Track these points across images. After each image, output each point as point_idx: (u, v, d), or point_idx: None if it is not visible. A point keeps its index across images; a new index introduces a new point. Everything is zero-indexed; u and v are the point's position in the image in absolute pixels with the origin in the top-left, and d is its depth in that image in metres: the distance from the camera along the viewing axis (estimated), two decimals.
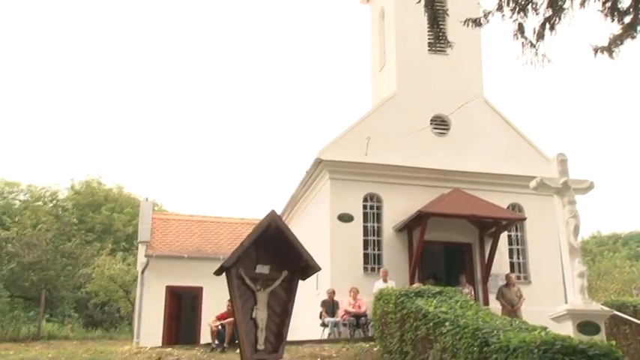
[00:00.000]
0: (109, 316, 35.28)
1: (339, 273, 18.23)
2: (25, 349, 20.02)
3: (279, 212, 9.91)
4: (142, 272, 23.08)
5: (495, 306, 16.79)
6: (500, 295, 17.50)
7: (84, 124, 74.17)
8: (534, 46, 11.31)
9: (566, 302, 12.84)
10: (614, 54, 11.22)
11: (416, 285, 15.47)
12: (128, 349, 17.15)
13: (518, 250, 20.06)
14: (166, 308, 22.30)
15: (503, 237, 19.49)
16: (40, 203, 44.33)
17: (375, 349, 15.49)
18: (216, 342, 16.02)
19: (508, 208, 19.93)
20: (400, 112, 19.96)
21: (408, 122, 19.68)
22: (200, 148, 78.00)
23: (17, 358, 15.73)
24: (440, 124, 20.32)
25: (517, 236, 20.15)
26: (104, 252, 34.39)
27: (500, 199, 19.61)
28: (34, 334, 28.83)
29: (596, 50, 11.30)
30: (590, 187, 12.86)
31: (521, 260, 19.96)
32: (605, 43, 11.23)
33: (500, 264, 19.21)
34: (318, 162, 19.49)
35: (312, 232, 19.85)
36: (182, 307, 23.48)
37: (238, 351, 9.51)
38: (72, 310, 35.64)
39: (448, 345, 11.41)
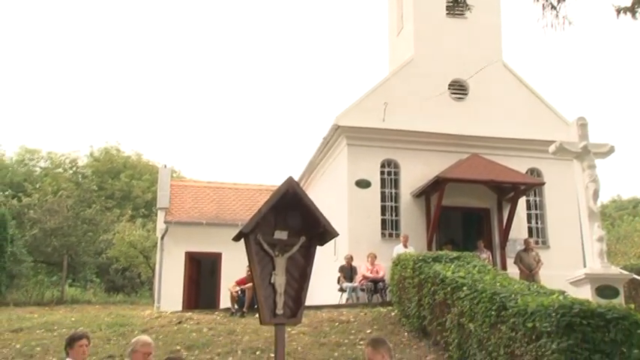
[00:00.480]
0: (129, 281, 35.81)
1: (356, 239, 18.30)
2: (50, 312, 20.39)
3: (296, 179, 9.94)
4: (162, 238, 23.32)
5: (513, 271, 16.81)
6: (519, 260, 17.51)
7: (102, 91, 74.45)
8: (555, 8, 11.13)
9: (584, 266, 12.84)
10: (637, 14, 11.01)
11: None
12: (149, 314, 17.43)
13: (536, 214, 19.99)
14: (186, 274, 22.56)
15: (522, 202, 19.42)
16: (60, 170, 44.76)
17: (393, 313, 15.62)
18: (236, 307, 16.22)
19: (527, 172, 19.82)
20: (418, 76, 19.79)
21: (425, 87, 19.52)
22: (218, 115, 78.10)
23: (42, 321, 16.03)
24: (458, 88, 20.14)
25: (536, 201, 20.06)
26: (124, 218, 34.76)
27: (519, 164, 19.50)
28: (57, 298, 29.36)
29: (618, 11, 11.11)
30: (611, 150, 12.74)
31: (539, 225, 19.90)
32: (629, 3, 11.02)
33: (519, 229, 19.19)
34: (336, 128, 19.44)
35: (330, 198, 19.90)
36: (201, 273, 23.75)
37: (257, 315, 9.62)
38: (94, 275, 36.21)
39: (466, 309, 11.47)
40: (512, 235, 18.94)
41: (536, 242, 19.17)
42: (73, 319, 16.43)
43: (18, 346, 13.72)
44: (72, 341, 7.24)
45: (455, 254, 14.70)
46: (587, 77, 79.17)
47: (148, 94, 77.60)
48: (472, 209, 19.63)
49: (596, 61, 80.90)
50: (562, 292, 10.43)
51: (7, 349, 13.55)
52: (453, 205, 18.86)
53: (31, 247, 30.85)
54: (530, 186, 19.17)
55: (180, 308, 19.08)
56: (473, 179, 18.37)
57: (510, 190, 19.01)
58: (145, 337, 7.11)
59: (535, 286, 11.66)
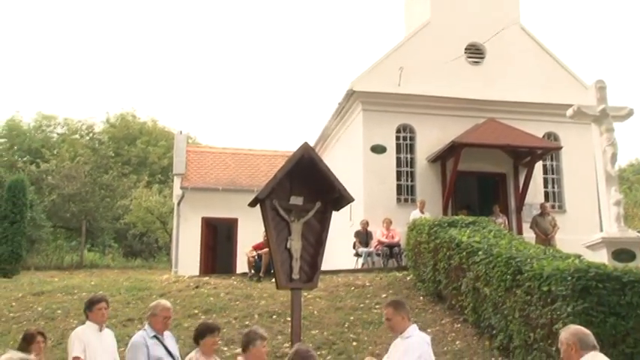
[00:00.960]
0: (147, 246, 36.21)
1: (372, 204, 18.33)
2: (70, 276, 20.71)
3: (312, 144, 9.91)
4: (178, 204, 23.49)
5: (529, 235, 16.79)
6: (534, 225, 17.48)
7: (117, 56, 74.38)
8: None
9: (601, 230, 12.81)
10: None
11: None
12: (167, 278, 17.65)
13: (553, 179, 19.88)
14: (202, 239, 22.76)
15: (538, 166, 19.31)
16: (76, 136, 44.98)
17: (408, 278, 15.71)
18: (252, 271, 16.37)
19: (544, 137, 19.67)
20: (434, 40, 19.57)
21: (442, 51, 19.32)
22: (233, 81, 77.90)
23: (62, 285, 16.30)
24: (475, 52, 19.91)
25: (552, 165, 19.95)
26: (140, 184, 34.99)
27: (536, 128, 19.34)
28: (77, 262, 29.80)
29: None
30: (629, 114, 12.61)
31: (556, 189, 19.81)
32: None
33: (535, 193, 19.12)
34: (351, 93, 19.34)
35: (346, 163, 19.89)
36: (218, 238, 23.94)
37: (274, 280, 9.70)
38: (112, 240, 36.66)
39: (481, 273, 11.52)
40: (528, 199, 18.88)
41: (553, 207, 19.10)
42: (92, 283, 16.70)
43: (40, 308, 13.98)
44: (91, 304, 7.35)
45: (470, 219, 14.70)
46: (605, 39, 77.91)
47: (163, 60, 77.49)
48: (488, 174, 19.55)
49: (615, 23, 79.50)
50: (578, 256, 10.43)
51: (30, 312, 13.83)
52: (469, 170, 18.79)
53: (50, 212, 31.26)
54: (547, 150, 19.04)
55: (197, 273, 19.30)
56: (489, 144, 18.27)
57: (527, 155, 18.91)
58: (165, 302, 7.18)
59: (551, 251, 11.67)
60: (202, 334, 6.45)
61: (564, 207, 19.50)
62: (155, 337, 6.74)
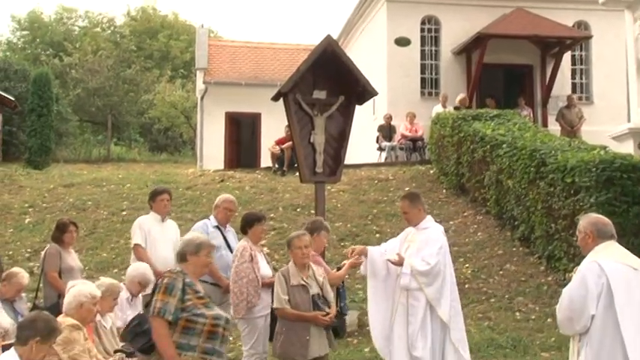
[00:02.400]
0: (172, 140, 36.53)
1: (395, 98, 18.16)
2: (98, 169, 21.10)
3: (335, 38, 9.71)
4: (201, 99, 23.47)
5: (554, 128, 16.64)
6: (560, 117, 17.26)
7: None
8: None
9: (629, 122, 12.63)
10: None
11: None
12: (192, 172, 17.92)
13: (581, 70, 19.44)
14: (226, 134, 22.87)
15: (567, 57, 18.83)
16: (98, 30, 44.51)
17: (432, 171, 15.79)
18: (276, 165, 16.53)
19: (573, 26, 19.08)
20: None
21: None
22: None
23: (91, 177, 16.65)
24: None
25: (581, 56, 19.44)
26: (163, 79, 34.89)
27: (566, 17, 18.72)
28: (104, 156, 30.28)
29: None
30: None
31: (584, 80, 19.40)
32: None
33: (562, 85, 18.77)
34: None
35: (369, 57, 19.57)
36: (241, 133, 24.03)
37: (298, 174, 9.82)
38: (137, 134, 37.02)
39: (505, 166, 11.54)
40: (554, 91, 18.56)
41: (580, 98, 18.77)
42: (120, 176, 17.03)
43: (71, 200, 14.38)
44: (154, 195, 7.49)
45: (495, 112, 14.58)
46: None
47: None
48: (514, 66, 19.16)
49: None
50: (603, 148, 10.36)
51: (62, 203, 14.23)
52: (495, 63, 18.39)
53: (76, 106, 31.53)
54: (577, 40, 18.51)
55: (222, 167, 19.52)
56: (516, 35, 17.79)
57: (555, 45, 18.42)
58: (228, 195, 7.37)
59: (576, 142, 11.60)
60: (250, 222, 6.52)
61: (592, 98, 19.16)
62: (217, 227, 6.97)
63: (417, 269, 5.98)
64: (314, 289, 5.64)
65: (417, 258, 6.05)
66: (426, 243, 6.13)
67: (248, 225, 6.52)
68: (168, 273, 4.52)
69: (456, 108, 16.44)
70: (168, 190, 7.73)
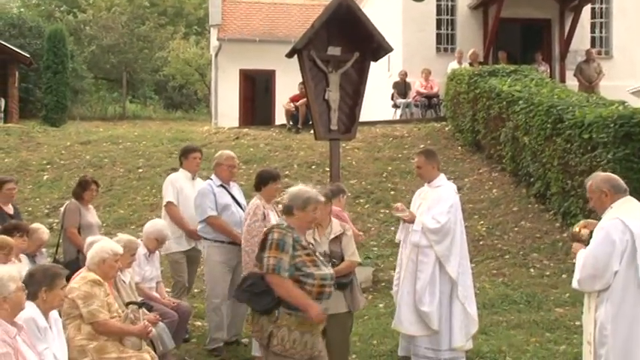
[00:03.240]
0: (187, 98, 36.53)
1: (410, 54, 17.95)
2: (113, 127, 21.21)
3: None
4: (216, 56, 23.37)
5: (572, 84, 16.42)
6: (579, 72, 17.01)
7: None
8: None
9: None
10: None
11: None
12: (207, 130, 17.96)
13: (601, 23, 19.03)
14: (241, 91, 22.82)
15: (586, 10, 18.42)
16: None
17: (447, 128, 15.71)
18: (291, 123, 16.50)
19: None
20: None
21: None
22: None
23: (107, 134, 16.74)
24: None
25: (601, 8, 19.00)
26: (177, 36, 34.73)
27: None
28: (119, 113, 30.39)
29: None
30: None
31: (603, 34, 19.01)
32: None
33: (581, 39, 18.40)
34: None
35: (384, 12, 19.29)
36: (256, 90, 23.98)
37: (312, 131, 9.81)
38: (152, 92, 37.02)
39: (521, 123, 11.47)
40: (573, 46, 18.23)
41: (599, 53, 18.44)
42: (135, 133, 17.10)
43: (88, 157, 14.50)
44: (186, 153, 7.48)
45: (512, 68, 14.40)
46: None
47: None
48: (532, 20, 18.79)
49: None
50: (622, 103, 10.24)
51: (78, 160, 14.36)
52: (513, 17, 18.04)
53: (91, 63, 31.53)
54: None
55: (236, 124, 19.53)
56: None
57: None
58: (228, 151, 7.21)
59: (594, 98, 11.48)
60: (265, 181, 6.46)
61: (611, 52, 18.81)
62: (221, 185, 6.86)
63: (427, 227, 6.06)
64: (320, 248, 5.50)
65: (428, 216, 6.13)
66: (437, 201, 6.18)
67: (263, 183, 6.46)
68: (277, 228, 4.43)
69: (470, 64, 16.26)
70: (200, 149, 7.75)
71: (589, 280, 4.45)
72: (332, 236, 5.57)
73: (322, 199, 4.85)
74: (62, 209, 7.58)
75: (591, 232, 4.70)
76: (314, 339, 4.41)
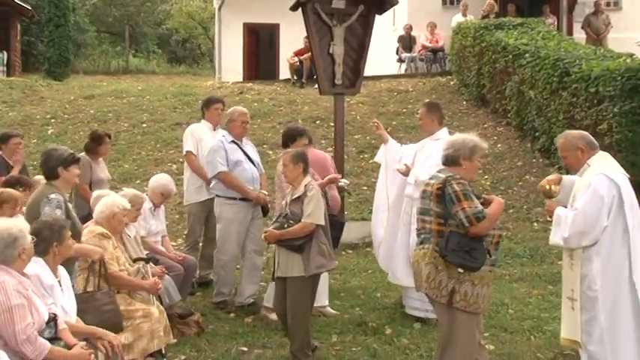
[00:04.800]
0: (190, 52, 36.25)
1: (416, 7, 17.69)
2: (117, 81, 21.09)
3: None
4: (219, 9, 23.05)
5: (580, 36, 16.21)
6: (586, 24, 16.76)
7: None
8: None
9: None
10: None
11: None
12: (211, 84, 17.88)
13: None
14: (245, 45, 22.58)
15: None
16: None
17: (452, 82, 15.62)
18: (295, 77, 16.41)
19: None
20: None
21: None
22: None
23: (110, 89, 16.67)
24: None
25: None
26: None
27: None
28: (123, 67, 30.21)
29: None
30: None
31: None
32: None
33: None
34: None
35: None
36: (260, 44, 23.74)
37: (317, 86, 9.76)
38: (155, 46, 36.73)
39: (527, 76, 11.38)
40: None
41: (607, 4, 18.10)
42: (139, 88, 17.02)
43: (92, 111, 14.47)
44: (208, 103, 7.44)
45: (518, 20, 14.23)
46: None
47: None
48: None
49: None
50: (630, 55, 10.11)
51: (83, 114, 14.34)
52: None
53: (93, 16, 31.23)
54: None
55: (240, 79, 19.42)
56: None
57: None
58: (241, 108, 7.09)
59: (602, 51, 11.35)
60: (293, 137, 6.50)
61: (620, 3, 18.45)
62: (234, 142, 6.76)
63: (419, 179, 6.08)
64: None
65: (422, 168, 6.14)
66: (432, 154, 6.20)
67: (290, 140, 6.48)
68: (452, 180, 4.29)
69: (483, 17, 15.98)
70: (222, 100, 7.66)
71: (577, 236, 4.46)
72: (294, 197, 5.38)
73: (487, 145, 4.67)
74: None
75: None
76: (491, 291, 4.40)
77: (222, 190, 6.68)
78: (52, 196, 4.85)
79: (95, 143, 7.25)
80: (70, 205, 5.19)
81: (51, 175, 5.01)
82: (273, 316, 6.05)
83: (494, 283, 5.07)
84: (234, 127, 6.79)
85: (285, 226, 5.28)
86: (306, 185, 5.35)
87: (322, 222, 5.29)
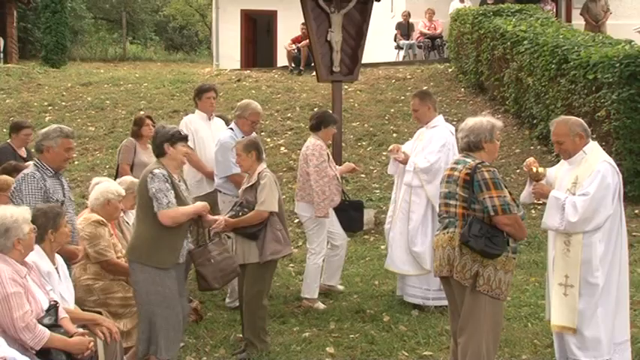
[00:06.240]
0: (188, 39, 36.09)
1: None
2: (114, 68, 21.00)
3: None
4: None
5: (579, 23, 16.15)
6: (585, 10, 16.69)
7: None
8: None
9: None
10: None
11: None
12: (209, 72, 17.83)
13: None
14: (242, 32, 22.49)
15: None
16: None
17: (450, 70, 15.59)
18: (293, 64, 16.36)
19: None
20: None
21: None
22: None
23: (108, 76, 16.63)
24: None
25: None
26: None
27: None
28: (120, 55, 30.03)
29: None
30: None
31: None
32: None
33: None
34: None
35: None
36: (257, 31, 23.65)
37: (314, 73, 9.74)
38: (152, 33, 36.56)
39: (525, 64, 11.36)
40: None
41: None
42: (137, 75, 16.98)
43: (89, 98, 14.43)
44: (200, 93, 7.15)
45: (517, 7, 14.17)
46: None
47: None
48: None
49: None
50: (629, 42, 10.09)
51: (80, 102, 14.30)
52: None
53: (90, 3, 31.03)
54: None
55: (238, 67, 19.36)
56: None
57: None
58: (255, 105, 6.65)
59: (600, 37, 11.32)
60: (327, 122, 6.55)
61: None
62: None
63: (418, 167, 6.10)
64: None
65: (420, 156, 6.15)
66: (429, 141, 6.21)
67: (324, 124, 6.53)
68: (483, 166, 4.23)
69: (482, 3, 15.92)
70: (214, 88, 7.35)
71: (582, 223, 4.47)
72: (248, 185, 5.39)
73: (502, 123, 4.61)
74: (120, 146, 7.44)
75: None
76: (511, 278, 4.38)
77: (230, 189, 6.42)
78: (156, 171, 4.75)
79: (138, 126, 7.19)
80: (180, 182, 5.01)
81: (159, 152, 4.92)
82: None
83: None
84: (244, 123, 6.48)
85: (240, 214, 5.34)
86: (259, 173, 5.38)
87: (275, 209, 5.36)
